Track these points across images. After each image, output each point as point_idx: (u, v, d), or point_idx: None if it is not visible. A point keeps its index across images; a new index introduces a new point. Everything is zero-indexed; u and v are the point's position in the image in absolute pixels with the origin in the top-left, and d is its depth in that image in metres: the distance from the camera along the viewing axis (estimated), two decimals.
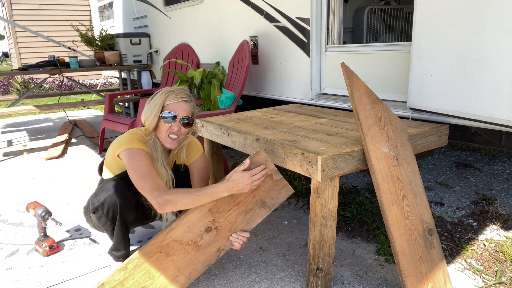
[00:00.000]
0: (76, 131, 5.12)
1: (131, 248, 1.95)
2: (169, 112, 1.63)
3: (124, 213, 1.70)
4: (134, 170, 1.56)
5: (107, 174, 1.80)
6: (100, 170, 1.91)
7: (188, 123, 1.68)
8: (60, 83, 7.01)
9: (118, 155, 1.65)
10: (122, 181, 1.73)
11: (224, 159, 2.69)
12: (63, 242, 2.16)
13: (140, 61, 5.04)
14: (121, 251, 1.80)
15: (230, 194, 1.54)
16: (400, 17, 3.76)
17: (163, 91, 1.66)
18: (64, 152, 4.08)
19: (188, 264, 1.58)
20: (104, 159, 1.85)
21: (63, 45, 5.30)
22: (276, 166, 1.65)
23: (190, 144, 1.83)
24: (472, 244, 2.02)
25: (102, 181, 1.84)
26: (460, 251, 1.96)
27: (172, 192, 1.50)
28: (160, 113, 1.63)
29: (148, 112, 1.65)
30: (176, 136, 1.67)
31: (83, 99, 7.61)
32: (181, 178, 1.85)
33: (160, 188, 1.50)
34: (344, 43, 3.43)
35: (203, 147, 1.97)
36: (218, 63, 3.77)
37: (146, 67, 5.09)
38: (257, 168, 1.55)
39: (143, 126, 1.72)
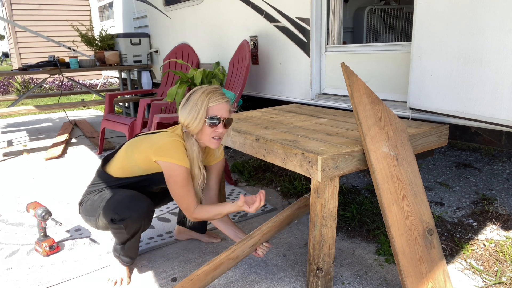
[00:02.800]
0: (76, 131, 5.12)
1: None
2: (215, 116, 1.62)
3: (144, 229, 1.72)
4: (174, 188, 1.66)
5: (120, 172, 1.72)
6: (104, 163, 1.81)
7: (229, 123, 1.68)
8: (60, 83, 7.01)
9: (155, 161, 1.62)
10: (145, 192, 1.75)
11: (224, 159, 2.69)
12: (63, 242, 2.16)
13: (140, 61, 5.04)
14: (131, 258, 1.79)
15: (282, 221, 1.75)
16: (400, 17, 3.75)
17: (201, 92, 1.63)
18: (64, 152, 4.08)
19: (221, 271, 1.63)
20: (113, 153, 1.79)
21: (63, 45, 5.30)
22: (276, 166, 1.66)
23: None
24: (472, 244, 2.02)
25: (109, 178, 1.74)
26: (460, 251, 1.96)
27: (199, 212, 1.71)
28: (206, 117, 1.61)
29: (191, 116, 1.61)
30: (219, 137, 1.68)
31: (83, 99, 7.61)
32: None
33: (190, 210, 1.71)
34: (344, 43, 3.43)
35: None
36: (218, 63, 3.77)
37: (146, 67, 5.09)
38: (256, 203, 1.61)
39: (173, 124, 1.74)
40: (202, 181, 1.75)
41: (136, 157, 1.67)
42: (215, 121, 1.61)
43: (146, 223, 1.68)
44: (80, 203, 1.80)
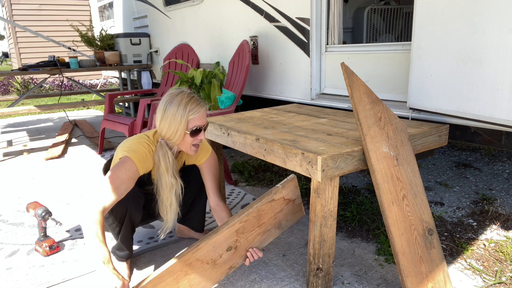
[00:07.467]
0: (76, 131, 5.12)
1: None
2: (197, 127, 1.61)
3: (132, 215, 1.71)
4: (112, 175, 1.54)
5: None
6: (105, 171, 1.90)
7: (207, 126, 1.70)
8: (60, 83, 7.01)
9: (119, 158, 1.65)
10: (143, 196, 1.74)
11: (224, 159, 2.69)
12: (63, 242, 2.16)
13: (140, 61, 5.04)
14: (124, 251, 1.80)
15: (256, 216, 1.55)
16: (400, 17, 3.76)
17: (178, 103, 1.58)
18: (64, 152, 4.08)
19: (200, 282, 1.53)
20: (110, 159, 1.86)
21: (63, 45, 5.30)
22: (276, 166, 1.65)
23: (200, 145, 1.85)
24: (472, 244, 2.02)
25: None
26: (460, 251, 1.96)
27: (95, 224, 1.43)
28: (187, 129, 1.61)
29: (171, 130, 1.60)
30: (199, 143, 1.68)
31: (83, 99, 7.61)
32: (187, 175, 1.92)
33: (97, 208, 1.46)
34: (344, 43, 3.43)
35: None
36: (218, 63, 3.77)
37: (146, 67, 5.09)
38: None
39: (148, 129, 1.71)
40: (180, 192, 1.73)
41: (116, 158, 1.72)
42: (198, 130, 1.62)
43: (131, 206, 1.68)
44: None
